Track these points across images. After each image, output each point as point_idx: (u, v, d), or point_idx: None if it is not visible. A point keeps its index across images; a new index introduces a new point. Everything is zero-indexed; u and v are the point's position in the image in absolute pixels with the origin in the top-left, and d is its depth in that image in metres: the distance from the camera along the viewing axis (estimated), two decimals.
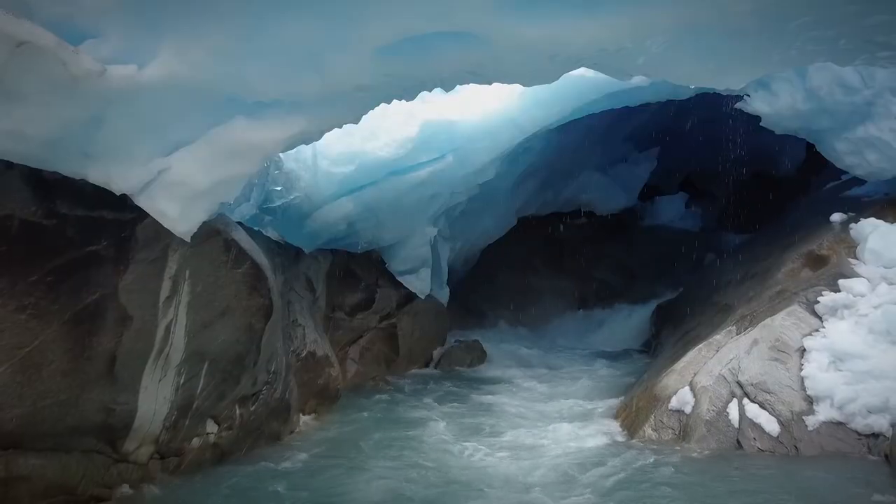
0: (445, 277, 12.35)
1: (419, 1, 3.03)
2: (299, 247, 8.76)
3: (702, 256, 16.06)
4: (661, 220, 18.76)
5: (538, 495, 5.32)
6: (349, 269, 10.38)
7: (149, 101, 3.57)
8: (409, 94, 4.71)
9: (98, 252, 4.59)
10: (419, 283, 11.08)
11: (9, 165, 4.09)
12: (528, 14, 3.15)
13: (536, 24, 3.19)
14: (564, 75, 4.77)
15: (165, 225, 4.24)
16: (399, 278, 10.89)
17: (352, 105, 4.23)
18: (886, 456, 5.86)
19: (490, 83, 4.89)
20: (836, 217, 9.63)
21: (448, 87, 4.44)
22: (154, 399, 5.12)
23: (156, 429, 5.22)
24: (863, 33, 3.26)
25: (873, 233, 8.45)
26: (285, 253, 8.38)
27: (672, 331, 11.43)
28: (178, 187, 4.05)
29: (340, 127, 5.15)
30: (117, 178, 3.98)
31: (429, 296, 11.35)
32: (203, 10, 3.20)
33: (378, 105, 4.90)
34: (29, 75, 3.23)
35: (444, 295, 12.22)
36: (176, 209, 4.13)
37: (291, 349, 7.44)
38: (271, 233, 8.11)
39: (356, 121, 4.87)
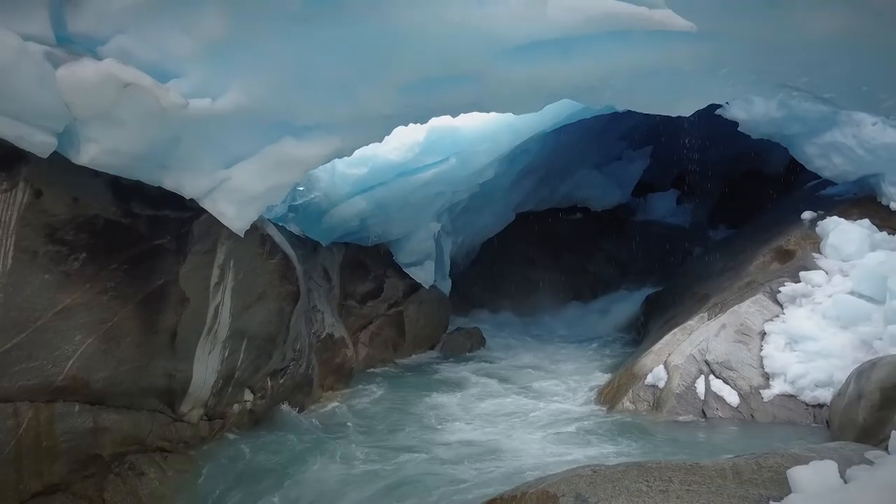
0: (448, 269, 12.91)
1: (433, 53, 3.91)
2: (317, 240, 9.55)
3: (690, 250, 16.56)
4: (653, 215, 19.31)
5: (531, 444, 6.28)
6: (360, 261, 10.99)
7: (217, 125, 4.46)
8: (422, 119, 5.62)
9: (163, 245, 5.49)
10: (424, 274, 11.63)
11: (96, 174, 4.99)
12: (516, 61, 4.01)
13: (523, 69, 4.06)
14: None
15: (224, 223, 5.15)
16: (405, 270, 11.44)
17: (377, 128, 5.12)
18: (827, 422, 6.77)
19: (488, 112, 5.79)
20: (807, 215, 10.34)
21: (454, 115, 5.34)
22: (205, 369, 6.04)
23: (205, 394, 6.13)
24: (775, 79, 4.11)
25: (834, 230, 9.26)
26: (305, 246, 9.25)
27: (658, 318, 11.96)
28: (235, 193, 4.93)
29: (367, 145, 6.06)
30: (187, 185, 4.88)
31: (432, 286, 11.88)
32: (263, 55, 4.08)
33: (397, 127, 5.82)
34: (131, 108, 4.13)
35: (446, 286, 12.73)
36: (233, 210, 5.03)
37: (312, 331, 8.34)
38: (293, 227, 8.98)
39: (380, 140, 5.79)
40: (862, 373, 6.03)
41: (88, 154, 4.40)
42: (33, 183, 4.58)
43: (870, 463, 3.39)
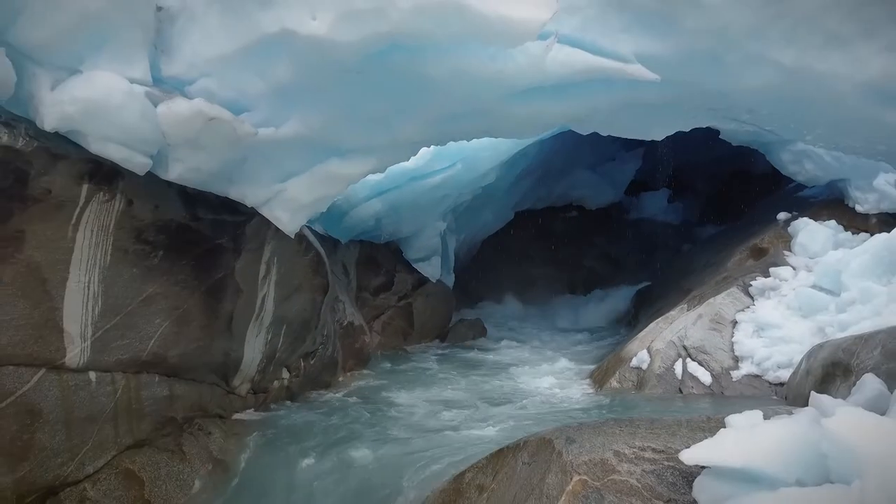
0: (452, 264, 13.64)
1: (456, 95, 4.84)
2: (337, 238, 10.52)
3: (679, 247, 17.42)
4: (645, 213, 19.92)
5: (529, 411, 7.33)
6: (373, 257, 11.81)
7: (277, 148, 5.46)
8: (443, 143, 6.62)
9: (222, 244, 6.53)
10: (430, 269, 12.44)
11: (169, 185, 6.02)
12: (520, 101, 4.97)
13: (525, 107, 5.02)
14: None
15: (279, 226, 6.16)
16: (414, 265, 12.25)
17: (407, 150, 6.10)
18: (786, 397, 7.83)
19: (496, 137, 6.76)
20: (781, 216, 11.20)
21: (468, 139, 6.36)
22: (253, 349, 7.08)
23: (252, 371, 7.17)
24: (726, 114, 5.12)
25: (803, 229, 10.21)
26: (327, 243, 10.23)
27: (647, 310, 12.71)
28: (289, 202, 5.92)
29: (397, 163, 7.08)
30: (249, 195, 5.89)
31: (438, 280, 12.64)
32: (320, 95, 5.04)
33: (421, 149, 6.87)
34: (212, 135, 5.14)
35: (450, 280, 13.48)
36: (287, 216, 6.03)
37: (336, 319, 9.38)
38: (318, 227, 10.00)
39: (407, 159, 6.80)
40: (811, 353, 7.06)
41: (176, 172, 5.45)
42: (126, 194, 5.60)
43: (790, 414, 4.43)
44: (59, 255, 5.22)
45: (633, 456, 4.02)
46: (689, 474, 3.80)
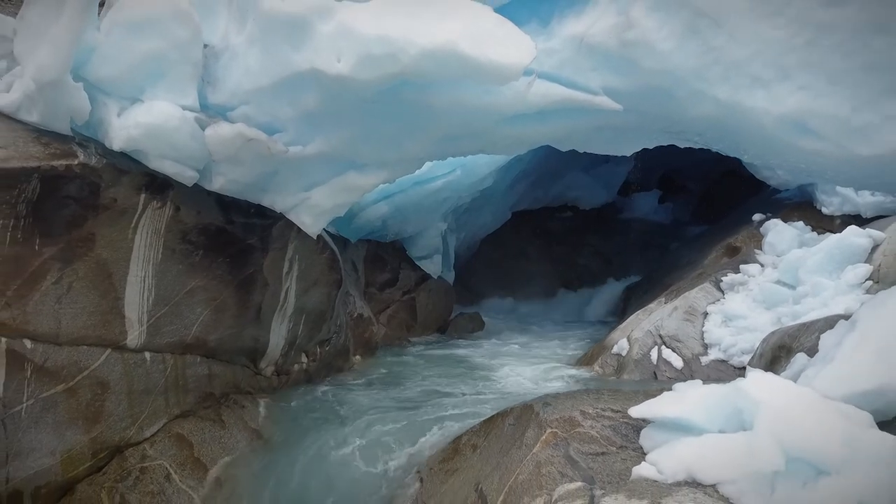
0: (452, 262, 14.39)
1: (456, 121, 5.73)
2: (347, 237, 11.47)
3: (668, 245, 17.82)
4: (637, 213, 20.52)
5: (520, 388, 8.32)
6: (379, 255, 12.55)
7: (304, 163, 6.41)
8: (444, 158, 7.62)
9: (252, 244, 7.51)
10: (432, 266, 13.21)
11: (208, 194, 7.00)
12: (509, 125, 5.87)
13: (514, 130, 5.94)
14: None
15: (304, 229, 7.09)
16: (417, 262, 13.01)
17: (414, 165, 6.98)
18: None
19: (490, 154, 7.72)
20: (757, 216, 11.96)
21: (465, 156, 7.34)
22: (277, 336, 8.06)
23: (276, 355, 8.16)
24: (681, 137, 6.12)
25: (772, 230, 11.09)
26: (338, 242, 11.22)
27: (634, 304, 13.25)
28: (313, 208, 6.85)
29: (405, 175, 8.08)
30: (279, 202, 6.86)
31: (440, 276, 13.43)
32: (341, 120, 5.97)
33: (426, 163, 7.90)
34: (250, 153, 6.13)
35: (451, 276, 14.24)
36: (311, 220, 6.98)
37: (347, 311, 10.35)
38: (331, 228, 10.95)
39: (413, 172, 7.81)
40: (765, 340, 8.00)
41: (218, 183, 6.47)
42: (175, 202, 6.59)
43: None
44: (122, 254, 6.21)
45: (596, 414, 5.02)
46: (639, 427, 4.80)
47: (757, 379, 4.45)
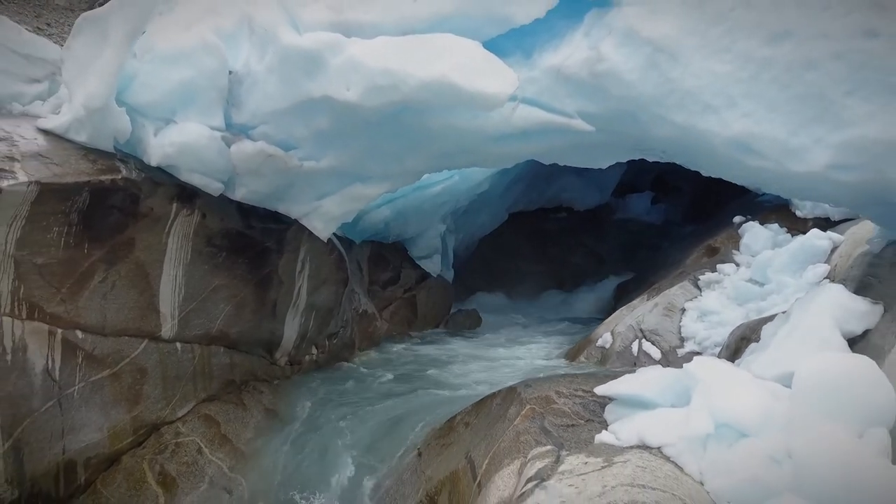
0: (451, 261, 15.02)
1: (450, 140, 6.50)
2: (352, 239, 12.25)
3: (660, 245, 18.17)
4: (630, 214, 21.10)
5: (511, 378, 9.13)
6: (382, 255, 13.08)
7: (316, 175, 7.25)
8: (440, 171, 8.48)
9: (269, 246, 8.35)
10: (432, 266, 13.83)
11: (230, 202, 7.84)
12: (497, 144, 6.60)
13: (501, 147, 6.73)
14: None
15: (315, 233, 7.91)
16: (417, 262, 13.62)
17: (413, 177, 7.80)
18: None
19: (480, 167, 8.60)
20: (737, 218, 12.70)
21: (459, 169, 8.23)
22: (290, 329, 8.91)
23: (290, 347, 9.00)
24: (651, 153, 6.96)
25: (749, 231, 11.90)
26: (344, 244, 12.01)
27: (624, 302, 13.68)
28: (324, 215, 7.67)
29: (405, 186, 8.94)
30: (294, 209, 7.72)
31: (439, 275, 14.02)
32: (349, 138, 6.77)
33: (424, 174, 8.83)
34: (269, 167, 6.97)
35: (449, 275, 14.87)
36: (322, 225, 7.81)
37: (353, 307, 11.19)
38: (337, 230, 11.78)
39: (412, 183, 8.67)
40: (732, 332, 8.80)
41: (240, 193, 7.33)
42: (201, 209, 7.43)
43: None
44: (157, 256, 7.06)
45: (569, 394, 5.87)
46: (605, 404, 5.63)
47: (701, 362, 5.30)
